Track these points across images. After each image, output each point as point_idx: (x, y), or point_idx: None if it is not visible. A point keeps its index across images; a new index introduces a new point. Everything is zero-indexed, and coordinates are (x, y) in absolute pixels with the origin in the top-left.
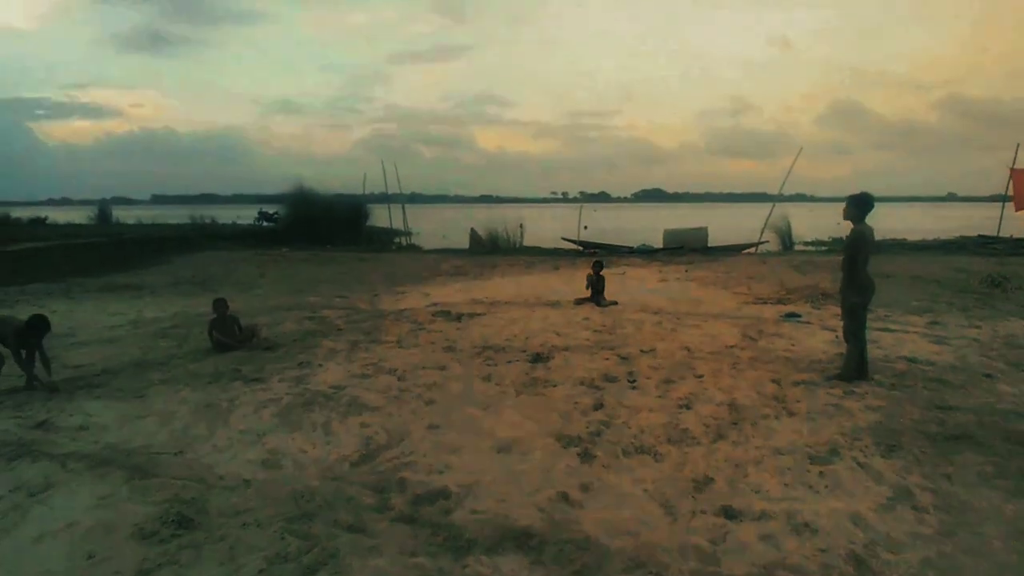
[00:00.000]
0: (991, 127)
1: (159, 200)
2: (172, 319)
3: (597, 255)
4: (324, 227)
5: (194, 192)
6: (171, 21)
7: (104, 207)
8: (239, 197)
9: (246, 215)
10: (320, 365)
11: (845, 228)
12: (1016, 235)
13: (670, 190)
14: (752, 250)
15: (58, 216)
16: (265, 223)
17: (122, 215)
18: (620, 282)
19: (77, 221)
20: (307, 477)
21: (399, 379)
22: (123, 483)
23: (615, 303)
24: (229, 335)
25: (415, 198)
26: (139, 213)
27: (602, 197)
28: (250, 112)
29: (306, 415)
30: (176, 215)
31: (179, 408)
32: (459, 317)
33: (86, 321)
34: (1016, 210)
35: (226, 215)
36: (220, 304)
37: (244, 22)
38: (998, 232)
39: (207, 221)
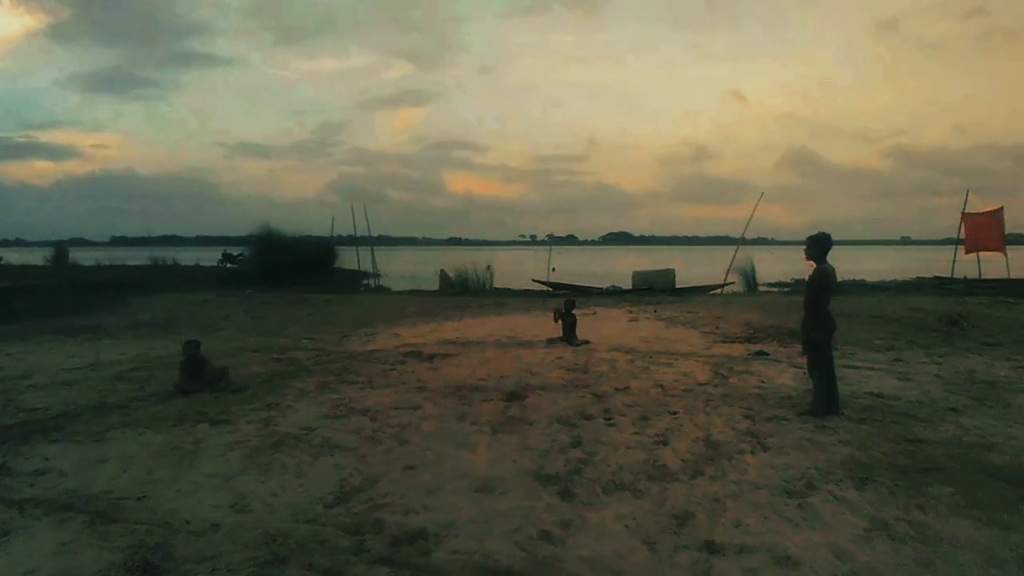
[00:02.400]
0: (939, 175)
1: (118, 242)
2: (132, 362)
3: (567, 296)
4: (290, 269)
5: (155, 234)
6: (138, 63)
7: (61, 248)
8: (203, 239)
9: (209, 257)
10: (289, 406)
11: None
12: (969, 276)
13: (636, 233)
14: (718, 291)
15: (12, 257)
16: (229, 265)
17: (80, 256)
18: (591, 322)
19: (32, 263)
20: (279, 520)
21: (371, 420)
22: (84, 529)
23: (587, 342)
24: (199, 378)
25: (383, 240)
26: (97, 255)
27: (570, 240)
28: (215, 154)
29: (276, 457)
30: (136, 257)
31: (141, 452)
32: (431, 357)
33: (41, 364)
34: (965, 252)
35: (188, 257)
36: (191, 345)
37: (212, 65)
38: (952, 273)
39: (168, 263)
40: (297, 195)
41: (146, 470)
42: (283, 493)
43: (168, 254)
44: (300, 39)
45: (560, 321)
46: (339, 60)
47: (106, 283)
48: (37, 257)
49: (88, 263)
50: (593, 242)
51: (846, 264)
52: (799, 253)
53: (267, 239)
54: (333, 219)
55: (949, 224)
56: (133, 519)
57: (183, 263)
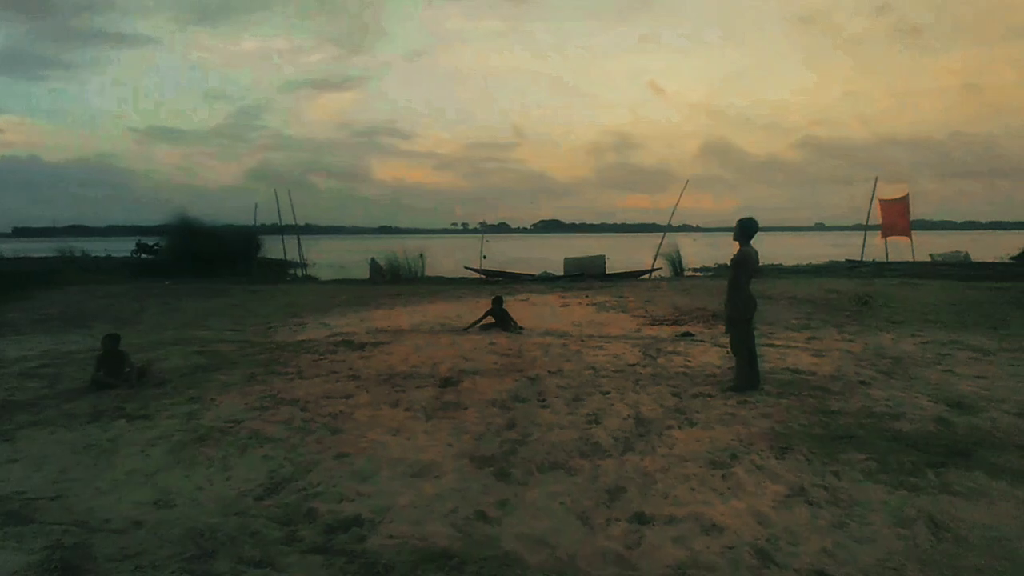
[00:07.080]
0: (846, 164)
1: (21, 232)
2: (40, 358)
3: (500, 283)
4: (211, 259)
5: (62, 224)
6: (39, 42)
7: None
8: (113, 229)
9: (122, 248)
10: (213, 399)
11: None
12: (878, 259)
13: (567, 221)
14: (646, 276)
15: None
16: (144, 255)
17: None
18: (524, 308)
19: None
20: (206, 514)
21: (302, 410)
22: None
23: (521, 329)
24: (116, 374)
25: (310, 229)
26: None
27: (502, 228)
28: (126, 139)
29: (201, 451)
30: (41, 248)
31: (54, 450)
32: (362, 346)
33: None
34: (882, 236)
35: (99, 248)
36: (110, 340)
37: (122, 45)
38: (862, 257)
39: (77, 254)
40: (216, 182)
41: (60, 469)
42: (209, 487)
43: (77, 245)
44: (216, 19)
45: (491, 317)
46: (259, 41)
47: (9, 276)
48: None
49: None
50: (525, 230)
51: (763, 249)
52: (721, 239)
53: (185, 228)
54: (256, 206)
55: (859, 210)
56: (48, 519)
57: (93, 254)
